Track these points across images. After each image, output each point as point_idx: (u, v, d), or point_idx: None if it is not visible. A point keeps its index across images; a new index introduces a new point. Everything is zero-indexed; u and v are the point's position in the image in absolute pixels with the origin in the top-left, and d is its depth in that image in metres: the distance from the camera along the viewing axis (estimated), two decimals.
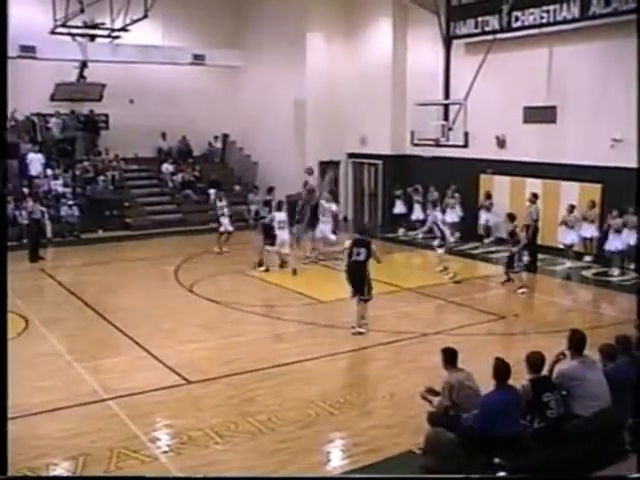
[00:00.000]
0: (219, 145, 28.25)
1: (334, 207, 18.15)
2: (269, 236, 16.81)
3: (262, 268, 16.83)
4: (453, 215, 20.71)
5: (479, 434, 6.51)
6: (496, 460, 6.37)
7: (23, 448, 7.84)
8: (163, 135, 26.80)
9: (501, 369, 6.83)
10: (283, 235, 16.64)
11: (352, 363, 10.88)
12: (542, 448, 6.42)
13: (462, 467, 5.47)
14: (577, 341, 7.30)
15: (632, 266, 16.58)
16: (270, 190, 18.47)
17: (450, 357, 7.45)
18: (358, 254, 12.04)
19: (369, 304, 12.26)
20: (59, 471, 7.43)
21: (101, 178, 24.13)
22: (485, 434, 6.47)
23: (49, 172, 23.52)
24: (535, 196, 17.40)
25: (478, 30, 20.57)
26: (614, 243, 16.61)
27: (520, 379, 7.06)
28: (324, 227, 17.56)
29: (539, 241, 17.45)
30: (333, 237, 17.59)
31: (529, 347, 7.66)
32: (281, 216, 16.74)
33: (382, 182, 24.50)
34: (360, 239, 12.40)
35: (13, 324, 12.61)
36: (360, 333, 11.99)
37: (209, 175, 26.42)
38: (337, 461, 7.85)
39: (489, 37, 19.62)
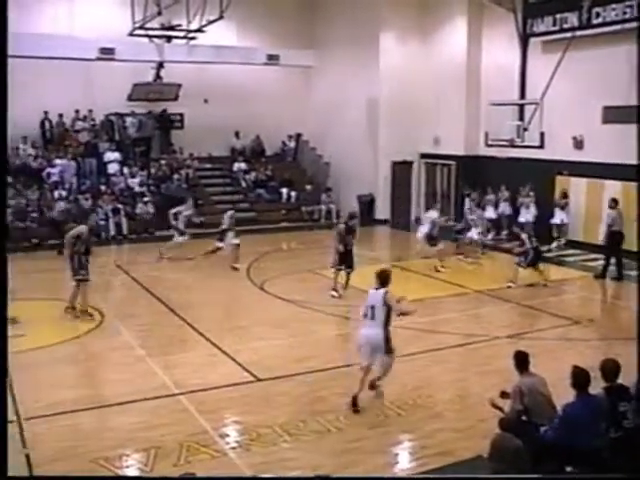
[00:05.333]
0: (292, 145, 28.41)
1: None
2: None
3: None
4: (527, 215, 20.28)
5: (555, 444, 6.34)
6: (568, 469, 6.20)
7: (97, 439, 8.07)
8: (237, 134, 27.09)
9: (581, 377, 6.61)
10: None
11: (421, 365, 10.77)
12: (618, 459, 6.21)
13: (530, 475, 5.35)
14: None
15: None
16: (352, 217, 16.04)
17: (521, 361, 7.30)
18: None
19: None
20: (131, 462, 7.59)
21: (175, 176, 24.55)
22: (564, 445, 6.29)
23: (125, 170, 24.09)
24: (615, 201, 16.89)
25: (556, 28, 20.10)
26: None
27: (594, 387, 6.86)
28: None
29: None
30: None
31: (604, 354, 7.46)
32: None
33: (455, 183, 24.21)
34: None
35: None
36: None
37: (282, 174, 26.62)
38: (405, 463, 7.80)
39: (568, 34, 19.18)
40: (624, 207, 17.19)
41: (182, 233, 18.84)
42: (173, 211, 19.13)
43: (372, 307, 9.09)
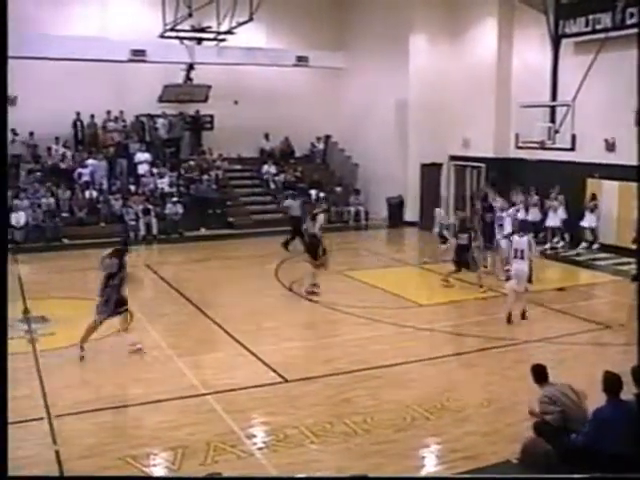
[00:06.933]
0: (321, 146, 28.41)
1: None
2: None
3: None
4: (556, 219, 20.06)
5: (585, 449, 6.26)
6: (597, 475, 6.13)
7: (124, 437, 8.13)
8: (266, 136, 27.16)
9: (612, 382, 6.52)
10: None
11: (450, 368, 10.71)
12: None
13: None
14: None
15: None
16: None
17: (539, 374, 7.28)
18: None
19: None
20: (159, 461, 7.62)
21: (205, 177, 24.65)
22: (594, 450, 6.21)
23: (155, 171, 24.25)
24: None
25: (589, 28, 19.87)
26: None
27: (625, 392, 6.77)
28: None
29: None
30: None
31: (635, 359, 7.34)
32: None
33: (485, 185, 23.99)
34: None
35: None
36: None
37: (311, 176, 26.62)
38: (432, 466, 7.75)
39: (601, 35, 18.95)
40: None
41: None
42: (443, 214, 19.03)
43: (521, 250, 12.74)
